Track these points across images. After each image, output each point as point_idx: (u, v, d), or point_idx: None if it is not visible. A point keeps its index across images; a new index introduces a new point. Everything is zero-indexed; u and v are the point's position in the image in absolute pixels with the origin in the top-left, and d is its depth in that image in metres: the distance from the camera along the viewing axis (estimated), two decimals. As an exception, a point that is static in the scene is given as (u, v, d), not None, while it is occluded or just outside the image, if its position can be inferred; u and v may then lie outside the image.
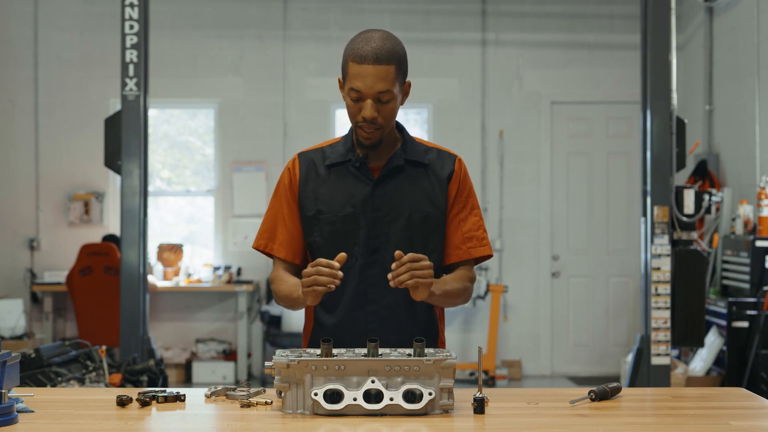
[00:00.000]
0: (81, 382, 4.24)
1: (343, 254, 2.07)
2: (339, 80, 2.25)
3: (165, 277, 7.31)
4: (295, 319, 7.03)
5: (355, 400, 1.86)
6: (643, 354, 4.93)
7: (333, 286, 2.04)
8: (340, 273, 2.05)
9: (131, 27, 4.90)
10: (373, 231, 2.25)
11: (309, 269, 2.06)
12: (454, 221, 2.32)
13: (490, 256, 2.35)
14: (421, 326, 2.29)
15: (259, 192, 7.46)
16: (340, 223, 2.26)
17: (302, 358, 1.89)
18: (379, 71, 2.13)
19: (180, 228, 7.82)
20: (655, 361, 4.90)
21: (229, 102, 7.56)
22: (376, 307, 2.24)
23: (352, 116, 2.21)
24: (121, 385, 4.39)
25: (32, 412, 1.93)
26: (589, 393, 2.06)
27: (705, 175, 6.89)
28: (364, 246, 2.25)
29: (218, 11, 7.55)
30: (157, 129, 7.77)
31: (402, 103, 2.25)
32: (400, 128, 2.34)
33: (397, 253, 2.05)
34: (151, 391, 2.05)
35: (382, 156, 2.29)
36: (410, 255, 2.04)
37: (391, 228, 2.25)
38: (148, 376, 4.57)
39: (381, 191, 2.26)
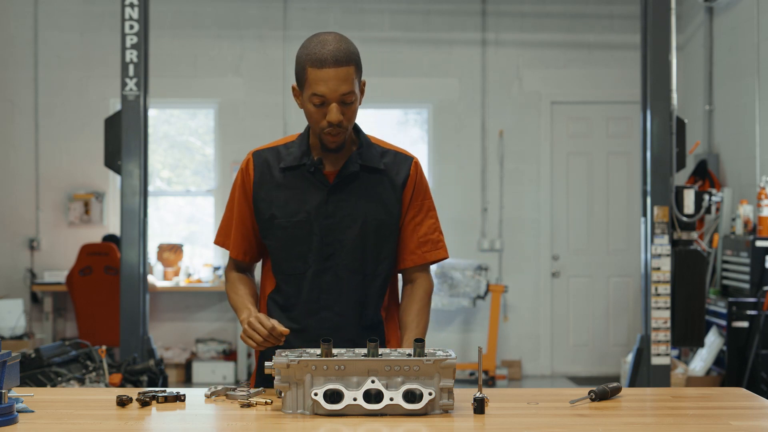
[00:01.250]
0: (81, 382, 4.24)
1: (287, 330, 2.10)
2: (293, 88, 2.21)
3: (165, 277, 7.31)
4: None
5: (355, 400, 1.86)
6: (643, 354, 4.93)
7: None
8: (281, 341, 2.11)
9: (131, 27, 4.90)
10: (326, 238, 2.24)
11: (254, 323, 2.10)
12: (409, 225, 2.30)
13: (445, 258, 2.35)
14: (370, 331, 2.29)
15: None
16: (293, 229, 2.24)
17: (302, 358, 1.89)
18: (340, 73, 2.11)
19: (180, 228, 7.82)
20: (655, 361, 4.90)
21: (229, 102, 7.56)
22: (329, 314, 2.24)
23: (316, 122, 2.16)
24: (121, 385, 4.39)
25: (32, 412, 1.93)
26: (589, 393, 2.06)
27: (705, 175, 6.89)
28: (317, 252, 2.24)
29: (218, 11, 7.55)
30: (157, 129, 7.77)
31: (360, 103, 2.22)
32: (356, 129, 2.31)
33: None
34: (151, 391, 2.05)
35: (337, 160, 2.26)
36: None
37: (344, 235, 2.24)
38: (148, 376, 4.57)
39: (335, 198, 2.24)
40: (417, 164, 2.33)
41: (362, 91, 2.22)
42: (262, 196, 2.27)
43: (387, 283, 2.31)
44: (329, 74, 2.10)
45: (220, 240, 2.38)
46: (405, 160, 2.31)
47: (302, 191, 2.25)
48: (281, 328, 2.09)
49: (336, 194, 2.24)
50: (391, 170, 2.29)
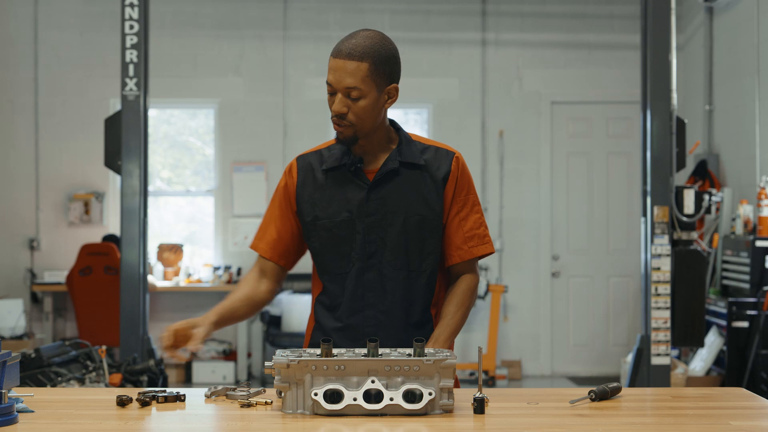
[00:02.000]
0: (81, 382, 4.24)
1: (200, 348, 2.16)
2: None
3: (165, 277, 7.31)
4: (295, 319, 7.03)
5: (355, 400, 1.86)
6: (643, 354, 4.93)
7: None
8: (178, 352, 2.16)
9: (131, 27, 4.90)
10: (368, 236, 2.25)
11: (168, 332, 2.14)
12: (454, 221, 2.30)
13: (492, 253, 2.35)
14: (418, 329, 2.29)
15: (259, 192, 7.46)
16: (337, 229, 2.26)
17: (302, 358, 1.89)
18: (349, 66, 2.15)
19: (180, 228, 7.82)
20: (655, 361, 4.90)
21: (229, 102, 7.56)
22: (373, 312, 2.24)
23: (330, 109, 2.23)
24: (121, 385, 4.39)
25: (32, 412, 1.93)
26: (589, 393, 2.06)
27: (705, 175, 6.89)
28: (360, 250, 2.25)
29: (218, 11, 7.55)
30: (157, 129, 7.77)
31: (386, 107, 2.24)
32: (397, 128, 2.34)
33: None
34: (151, 391, 2.05)
35: (378, 159, 2.29)
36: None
37: (386, 232, 2.25)
38: (148, 376, 4.57)
39: (376, 195, 2.26)
40: (459, 158, 2.33)
41: (391, 95, 2.25)
42: (305, 198, 2.29)
43: (434, 280, 2.30)
44: (338, 64, 2.17)
45: (254, 243, 2.38)
46: (446, 155, 2.32)
47: (344, 191, 2.27)
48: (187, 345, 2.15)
49: (376, 191, 2.26)
50: (432, 166, 2.30)
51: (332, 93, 2.19)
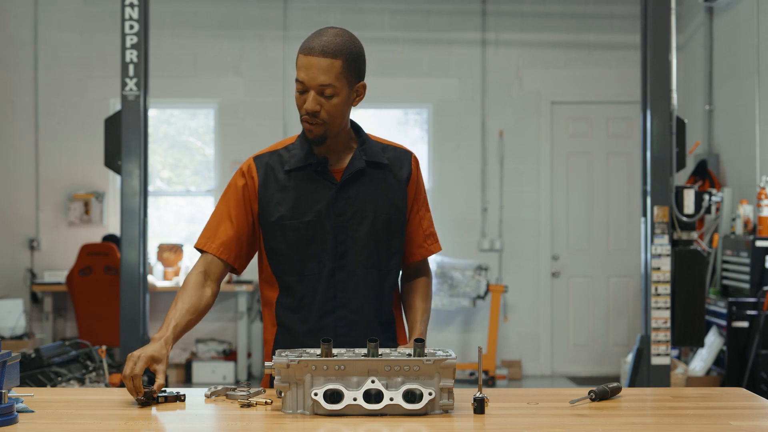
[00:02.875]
0: (81, 382, 4.24)
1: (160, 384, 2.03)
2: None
3: (165, 277, 7.31)
4: (295, 319, 7.02)
5: (355, 400, 1.86)
6: (643, 354, 4.93)
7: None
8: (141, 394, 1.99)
9: (131, 27, 4.90)
10: (339, 236, 2.24)
11: (132, 386, 1.98)
12: (414, 219, 2.34)
13: (440, 251, 2.43)
14: (385, 327, 2.31)
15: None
16: (306, 229, 2.24)
17: (302, 358, 1.89)
18: (323, 63, 2.13)
19: (180, 228, 7.82)
20: (655, 361, 4.90)
21: (229, 102, 7.56)
22: (345, 312, 2.24)
23: (298, 108, 2.20)
24: (121, 385, 4.39)
25: (32, 412, 1.93)
26: (589, 393, 2.06)
27: (705, 175, 6.89)
28: (331, 251, 2.24)
29: (218, 11, 7.55)
30: (157, 129, 7.77)
31: (355, 104, 2.24)
32: (356, 128, 2.33)
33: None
34: (151, 391, 2.05)
35: (340, 158, 2.28)
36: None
37: (356, 232, 2.25)
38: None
39: (345, 195, 2.25)
40: (416, 159, 2.37)
41: (359, 93, 2.24)
42: (268, 199, 2.26)
43: (397, 278, 2.34)
44: (311, 62, 2.13)
45: (202, 242, 2.28)
46: (405, 155, 2.35)
47: (310, 191, 2.25)
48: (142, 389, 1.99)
49: (345, 191, 2.25)
50: (395, 165, 2.32)
51: (303, 91, 2.16)
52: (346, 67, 2.16)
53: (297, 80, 2.17)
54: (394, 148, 2.35)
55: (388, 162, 2.31)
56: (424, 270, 2.41)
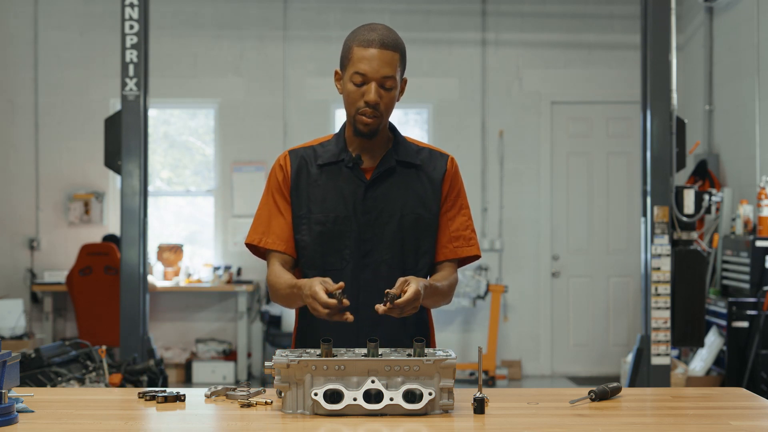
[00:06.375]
0: (81, 382, 4.24)
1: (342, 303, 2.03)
2: (336, 72, 2.24)
3: (165, 277, 7.31)
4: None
5: (355, 400, 1.86)
6: (643, 354, 4.93)
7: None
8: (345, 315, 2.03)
9: (131, 27, 4.90)
10: (364, 234, 2.24)
11: (314, 302, 2.02)
12: (442, 220, 2.31)
13: (477, 257, 2.33)
14: (412, 329, 2.27)
15: (259, 192, 7.42)
16: (331, 224, 2.24)
17: (302, 358, 1.89)
18: (385, 56, 2.14)
19: (180, 228, 7.82)
20: (655, 361, 4.90)
21: (229, 102, 7.56)
22: (368, 312, 2.19)
23: (353, 103, 2.18)
24: (121, 385, 4.39)
25: (32, 412, 1.93)
26: (589, 393, 2.06)
27: (705, 175, 6.89)
28: (355, 248, 2.23)
29: (218, 11, 7.55)
30: (157, 129, 7.77)
31: (398, 99, 2.24)
32: (392, 128, 2.33)
33: (380, 308, 2.03)
34: (151, 391, 2.05)
35: (374, 156, 2.27)
36: (397, 301, 2.02)
37: (382, 231, 2.24)
38: (148, 376, 4.57)
39: (373, 193, 2.25)
40: (453, 161, 2.34)
41: (402, 89, 2.25)
42: (299, 192, 2.27)
43: (426, 278, 2.28)
44: (374, 54, 2.14)
45: (256, 237, 2.29)
46: (441, 156, 2.33)
47: (340, 187, 2.25)
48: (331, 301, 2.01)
49: (374, 189, 2.25)
50: (428, 166, 2.30)
51: (361, 84, 2.16)
52: (402, 61, 2.19)
53: (357, 73, 2.14)
54: (430, 151, 2.33)
55: (421, 163, 2.29)
56: (448, 273, 2.30)
